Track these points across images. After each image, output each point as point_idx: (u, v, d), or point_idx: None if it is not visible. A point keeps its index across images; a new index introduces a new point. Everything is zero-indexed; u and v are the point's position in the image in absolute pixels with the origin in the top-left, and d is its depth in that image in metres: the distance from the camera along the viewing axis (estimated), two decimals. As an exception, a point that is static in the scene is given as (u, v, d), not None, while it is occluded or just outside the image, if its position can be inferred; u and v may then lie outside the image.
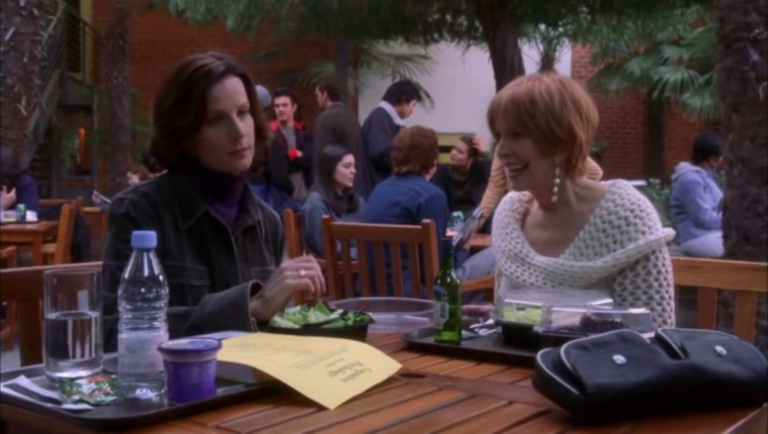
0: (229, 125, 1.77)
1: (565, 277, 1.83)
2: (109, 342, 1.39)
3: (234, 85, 1.79)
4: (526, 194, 2.01)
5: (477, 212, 4.66)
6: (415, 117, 6.51)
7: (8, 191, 6.11)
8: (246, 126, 1.80)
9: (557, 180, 1.86)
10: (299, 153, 6.64)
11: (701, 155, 5.89)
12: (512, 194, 2.05)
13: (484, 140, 6.20)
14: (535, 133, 1.82)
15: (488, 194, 5.31)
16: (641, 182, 8.31)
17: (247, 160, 1.82)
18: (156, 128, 1.81)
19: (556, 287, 1.84)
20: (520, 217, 2.00)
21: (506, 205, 2.04)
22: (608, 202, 1.84)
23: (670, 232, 1.84)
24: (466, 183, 6.23)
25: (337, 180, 4.71)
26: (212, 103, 1.76)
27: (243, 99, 1.81)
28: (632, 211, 1.82)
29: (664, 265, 1.84)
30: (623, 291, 1.81)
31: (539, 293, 1.74)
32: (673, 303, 1.85)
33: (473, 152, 6.16)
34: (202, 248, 1.78)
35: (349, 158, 4.79)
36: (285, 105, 6.68)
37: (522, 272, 1.90)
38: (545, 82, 1.85)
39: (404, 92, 6.04)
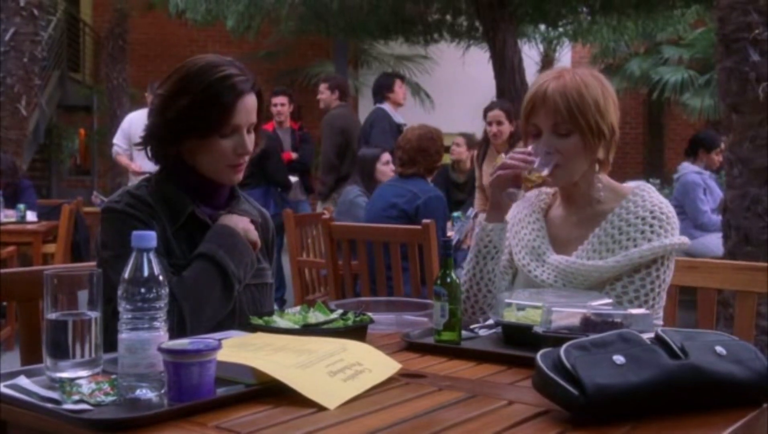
0: (239, 141, 1.79)
1: (576, 275, 1.79)
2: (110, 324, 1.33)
3: (252, 103, 1.81)
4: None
5: (471, 212, 4.64)
6: (416, 117, 6.50)
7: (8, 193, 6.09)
8: (251, 143, 1.83)
9: (599, 175, 1.84)
10: (294, 155, 6.53)
11: (693, 149, 5.91)
12: None
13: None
14: (583, 129, 1.77)
15: (478, 197, 5.32)
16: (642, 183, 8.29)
17: (241, 174, 1.85)
18: (157, 116, 1.80)
19: (567, 286, 1.80)
20: (545, 207, 1.96)
21: (532, 193, 1.98)
22: (629, 202, 1.81)
23: (686, 240, 1.80)
24: (466, 184, 6.21)
25: (378, 179, 4.67)
26: (233, 117, 1.77)
27: (255, 117, 1.83)
28: (651, 212, 1.79)
29: (666, 273, 1.80)
30: (623, 294, 1.77)
31: (539, 292, 1.73)
32: (660, 313, 1.82)
33: (471, 144, 6.15)
34: (191, 249, 1.78)
35: (387, 156, 4.74)
36: (282, 105, 6.57)
37: (535, 267, 1.86)
38: (581, 75, 1.80)
39: (384, 86, 5.95)
